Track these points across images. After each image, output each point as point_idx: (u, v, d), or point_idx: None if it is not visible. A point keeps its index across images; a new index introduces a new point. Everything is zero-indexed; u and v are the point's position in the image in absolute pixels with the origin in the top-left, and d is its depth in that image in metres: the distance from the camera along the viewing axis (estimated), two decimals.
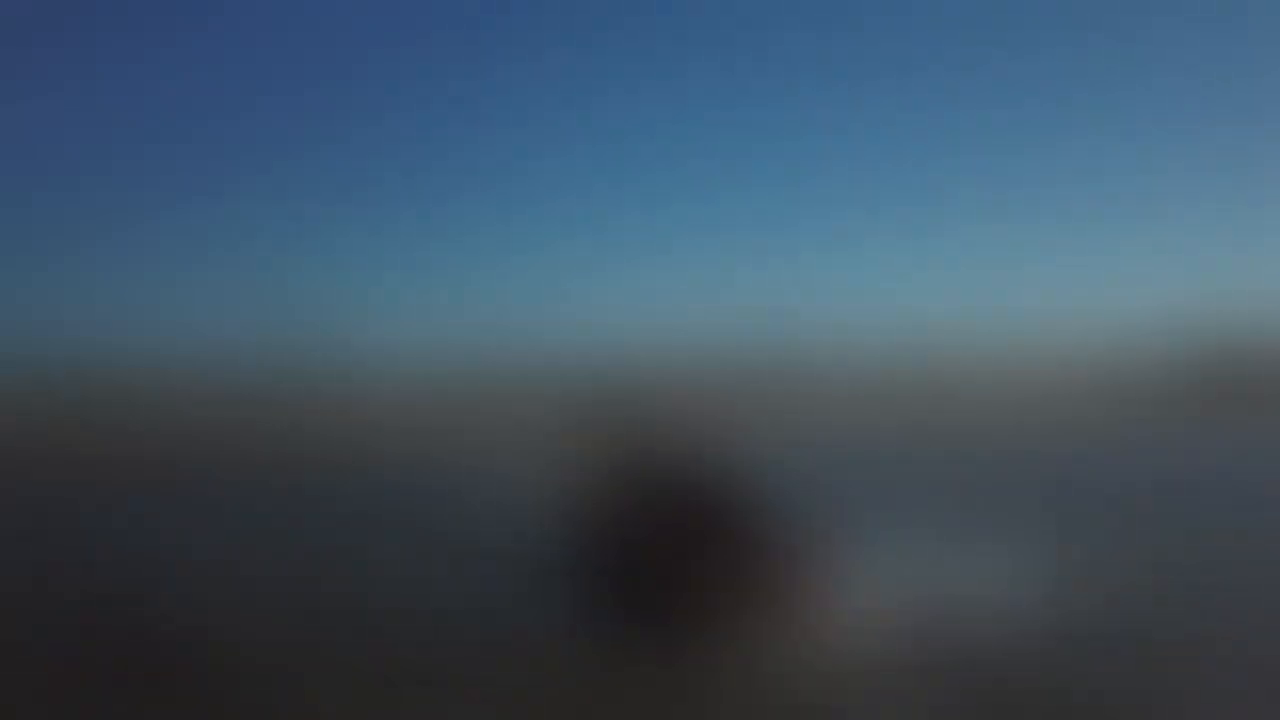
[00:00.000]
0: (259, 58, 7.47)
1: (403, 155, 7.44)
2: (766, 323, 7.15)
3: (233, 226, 7.27)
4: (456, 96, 7.48)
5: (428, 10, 7.58)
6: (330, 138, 7.41)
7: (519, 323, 7.17)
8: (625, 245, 7.39)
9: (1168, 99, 7.66)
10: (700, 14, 7.55)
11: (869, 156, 7.54)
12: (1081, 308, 7.38)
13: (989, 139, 7.58)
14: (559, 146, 7.49)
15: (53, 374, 7.01)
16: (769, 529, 6.48)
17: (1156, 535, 7.10)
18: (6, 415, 6.94)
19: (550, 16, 7.55)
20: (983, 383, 7.22)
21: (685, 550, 6.41)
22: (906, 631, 5.79)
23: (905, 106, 7.55)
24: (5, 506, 7.14)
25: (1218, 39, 7.70)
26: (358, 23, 7.50)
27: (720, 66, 7.49)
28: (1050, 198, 7.54)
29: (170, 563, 6.81)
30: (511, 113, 7.50)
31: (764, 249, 7.37)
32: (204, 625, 5.96)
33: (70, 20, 7.41)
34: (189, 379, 7.06)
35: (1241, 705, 4.70)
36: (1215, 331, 7.39)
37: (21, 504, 7.15)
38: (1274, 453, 7.57)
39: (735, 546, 6.43)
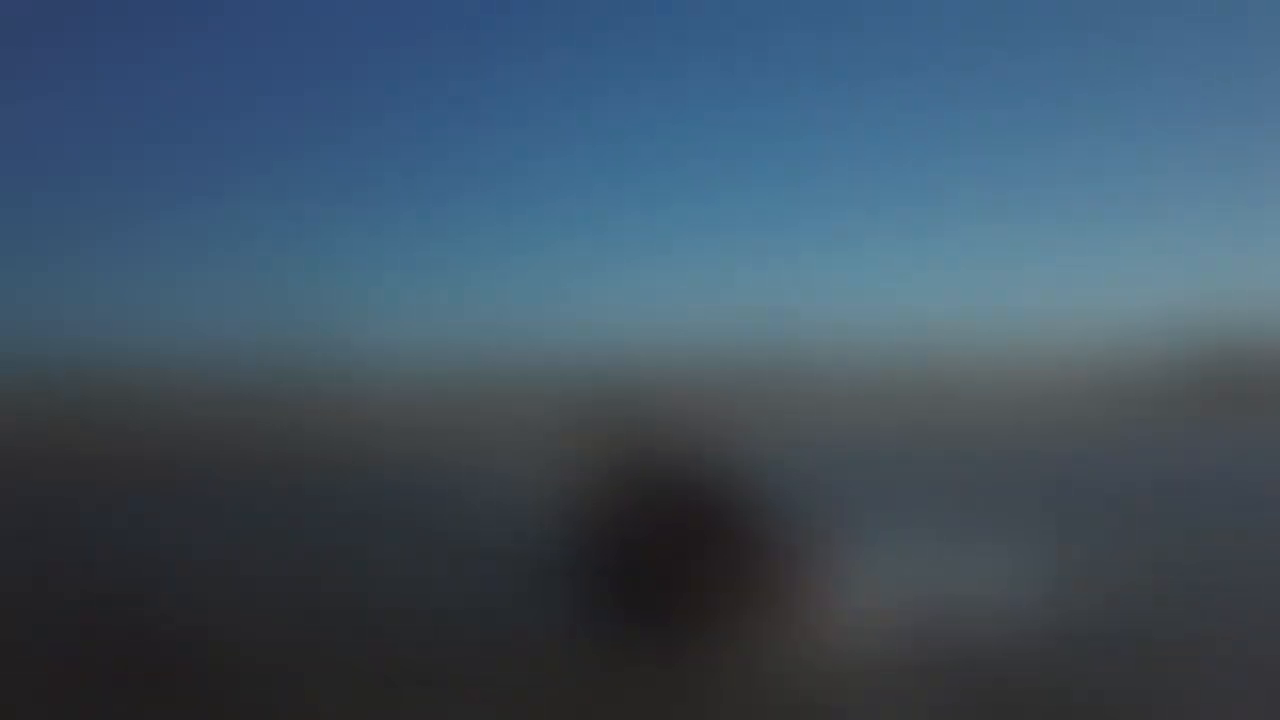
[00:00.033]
0: (259, 58, 7.47)
1: (403, 155, 7.44)
2: (766, 323, 7.15)
3: (233, 226, 7.27)
4: (456, 96, 7.48)
5: (428, 10, 7.57)
6: (330, 138, 7.41)
7: (519, 323, 7.16)
8: (625, 245, 7.39)
9: (1168, 99, 7.66)
10: (700, 14, 7.55)
11: (869, 156, 7.54)
12: (1081, 308, 7.38)
13: (989, 139, 7.58)
14: (559, 146, 7.49)
15: (53, 374, 7.01)
16: (769, 529, 6.48)
17: (1156, 535, 7.10)
18: (6, 415, 6.94)
19: (550, 16, 7.55)
20: (983, 383, 7.22)
21: (685, 550, 6.41)
22: (906, 631, 5.79)
23: (905, 106, 7.55)
24: (5, 506, 7.14)
25: (1218, 39, 7.70)
26: (358, 23, 7.50)
27: (720, 66, 7.49)
28: (1050, 198, 7.54)
29: (170, 563, 6.81)
30: (511, 113, 7.50)
31: (764, 249, 7.36)
32: (204, 625, 5.95)
33: (70, 20, 7.41)
34: (189, 379, 7.06)
35: (1241, 705, 4.70)
36: (1215, 331, 7.39)
37: (21, 504, 7.14)
38: (1274, 453, 7.56)
39: (735, 546, 6.42)
